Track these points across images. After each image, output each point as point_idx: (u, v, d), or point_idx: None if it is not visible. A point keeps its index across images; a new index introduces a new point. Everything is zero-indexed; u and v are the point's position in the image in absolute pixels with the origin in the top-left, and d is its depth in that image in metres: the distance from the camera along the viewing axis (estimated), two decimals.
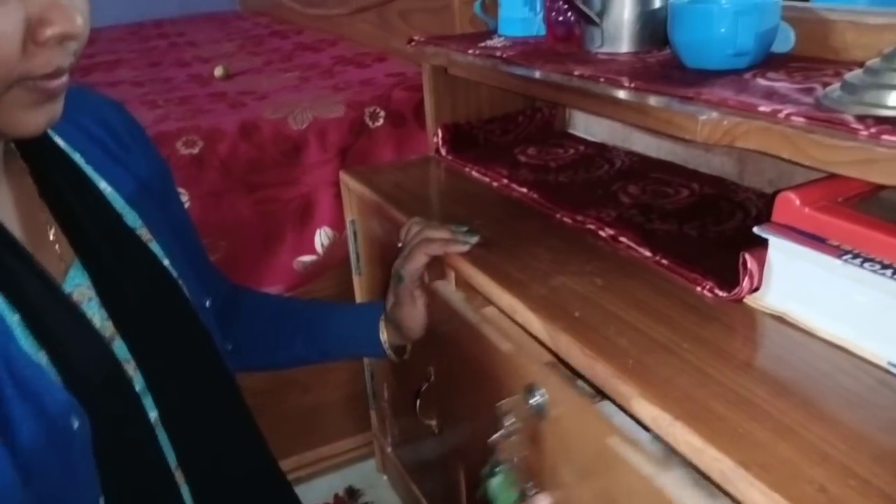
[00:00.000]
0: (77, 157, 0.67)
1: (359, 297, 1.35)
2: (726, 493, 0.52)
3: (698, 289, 0.75)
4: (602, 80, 0.81)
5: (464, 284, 0.89)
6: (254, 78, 1.75)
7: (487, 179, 1.13)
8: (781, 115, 0.62)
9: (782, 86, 0.71)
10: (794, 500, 0.47)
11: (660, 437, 0.57)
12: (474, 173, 1.17)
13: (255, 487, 0.74)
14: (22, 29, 0.47)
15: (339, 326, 0.93)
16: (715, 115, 0.65)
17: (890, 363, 0.60)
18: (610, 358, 0.64)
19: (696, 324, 0.69)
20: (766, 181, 0.98)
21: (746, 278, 0.70)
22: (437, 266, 0.92)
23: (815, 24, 0.82)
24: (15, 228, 0.59)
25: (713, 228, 0.88)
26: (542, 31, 1.11)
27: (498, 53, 1.03)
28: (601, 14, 0.93)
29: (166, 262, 0.69)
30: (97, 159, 0.68)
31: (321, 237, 1.34)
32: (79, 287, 0.62)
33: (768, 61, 0.80)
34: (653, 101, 0.72)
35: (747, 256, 0.70)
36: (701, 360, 0.63)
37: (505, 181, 1.10)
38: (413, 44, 1.22)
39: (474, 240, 0.88)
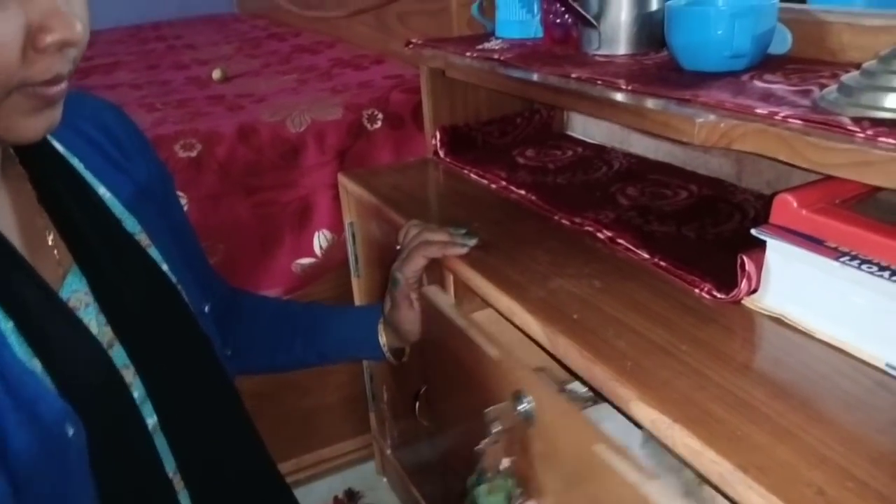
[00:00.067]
0: (76, 163, 0.67)
1: (358, 299, 1.35)
2: (725, 496, 0.52)
3: (696, 291, 0.75)
4: (599, 82, 0.81)
5: (462, 287, 0.89)
6: (252, 80, 1.75)
7: (486, 181, 1.14)
8: (778, 117, 0.62)
9: (779, 88, 0.71)
10: (793, 503, 0.47)
11: (653, 435, 0.57)
12: (473, 175, 1.17)
13: (254, 492, 0.74)
14: (22, 36, 0.47)
15: (337, 329, 0.94)
16: (712, 117, 0.65)
17: (888, 364, 0.60)
18: (608, 360, 0.64)
19: (694, 326, 0.69)
20: (765, 182, 0.99)
21: (744, 280, 0.70)
22: (436, 268, 0.92)
23: (812, 26, 0.82)
24: (13, 234, 0.59)
25: (711, 230, 0.88)
26: (540, 34, 1.11)
27: (495, 56, 1.03)
28: (598, 16, 0.93)
29: (165, 268, 0.69)
30: (96, 164, 0.68)
31: (320, 240, 1.34)
32: (76, 293, 0.62)
33: (765, 63, 0.80)
34: (650, 103, 0.72)
35: (745, 258, 0.70)
36: (699, 363, 0.63)
37: (503, 183, 1.10)
38: (411, 46, 1.23)
39: (472, 242, 0.88)
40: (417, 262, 0.87)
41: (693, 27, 0.79)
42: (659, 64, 0.87)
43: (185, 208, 1.22)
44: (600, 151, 1.23)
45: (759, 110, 0.64)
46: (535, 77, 0.91)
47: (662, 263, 0.80)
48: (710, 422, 0.55)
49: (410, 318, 0.88)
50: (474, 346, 0.71)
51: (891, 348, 0.60)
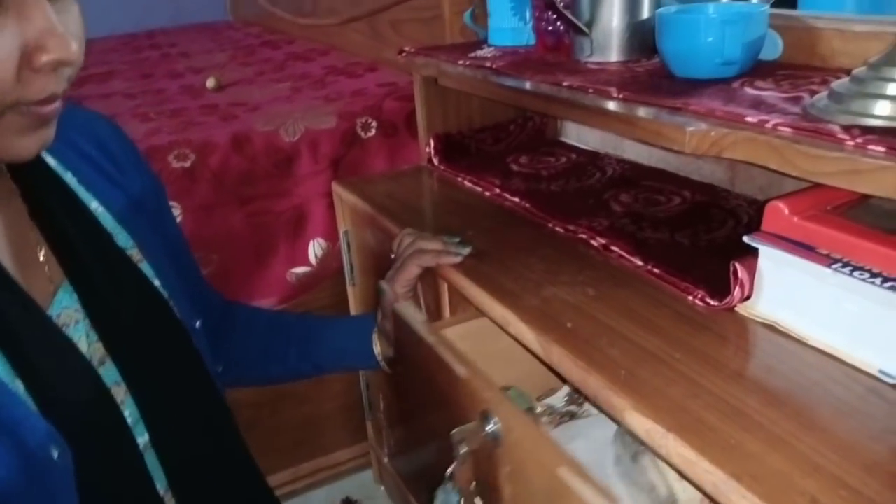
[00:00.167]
0: (68, 177, 0.67)
1: (353, 307, 1.35)
2: None
3: (690, 298, 0.75)
4: (591, 90, 0.81)
5: (457, 295, 0.89)
6: (246, 89, 1.75)
7: (480, 189, 1.14)
8: (768, 125, 0.62)
9: (770, 95, 0.71)
10: None
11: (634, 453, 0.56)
12: (466, 183, 1.17)
13: None
14: (17, 55, 0.47)
15: (332, 339, 0.93)
16: (703, 125, 0.65)
17: (881, 371, 0.60)
18: (602, 369, 0.64)
19: (687, 333, 0.69)
20: (757, 188, 0.99)
21: (737, 287, 0.70)
22: (430, 277, 0.92)
23: (803, 32, 0.82)
24: (3, 249, 0.59)
25: (705, 236, 0.88)
26: (532, 41, 1.12)
27: (488, 64, 1.03)
28: (590, 24, 0.93)
29: (157, 283, 0.68)
30: (88, 178, 0.68)
31: (314, 248, 1.34)
32: (67, 309, 0.61)
33: (756, 69, 0.80)
34: (641, 112, 0.72)
35: (738, 266, 0.70)
36: (693, 371, 0.63)
37: (497, 190, 1.10)
38: (403, 55, 1.23)
39: (466, 251, 0.88)
40: (411, 271, 0.87)
41: (684, 34, 0.79)
42: (650, 71, 0.87)
43: (179, 219, 1.23)
44: (594, 158, 1.23)
45: (749, 118, 0.64)
46: (527, 85, 0.91)
47: (656, 270, 0.80)
48: (704, 430, 0.55)
49: None
50: (444, 364, 0.71)
51: (883, 355, 0.60)
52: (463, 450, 0.65)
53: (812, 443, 0.53)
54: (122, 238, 0.68)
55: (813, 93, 0.69)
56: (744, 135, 0.63)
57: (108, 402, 0.60)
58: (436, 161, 1.26)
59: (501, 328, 0.78)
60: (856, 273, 0.60)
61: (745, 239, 0.68)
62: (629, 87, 0.80)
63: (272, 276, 1.32)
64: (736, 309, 0.72)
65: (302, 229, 1.33)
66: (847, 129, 0.58)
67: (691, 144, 0.65)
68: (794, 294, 0.66)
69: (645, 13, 0.91)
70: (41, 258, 0.62)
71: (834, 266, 0.61)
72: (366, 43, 1.91)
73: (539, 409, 0.93)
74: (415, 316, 0.83)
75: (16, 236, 0.61)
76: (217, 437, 0.72)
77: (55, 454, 0.53)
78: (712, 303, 0.73)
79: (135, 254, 0.68)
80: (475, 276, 0.84)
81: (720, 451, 0.53)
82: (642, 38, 0.92)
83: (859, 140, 0.56)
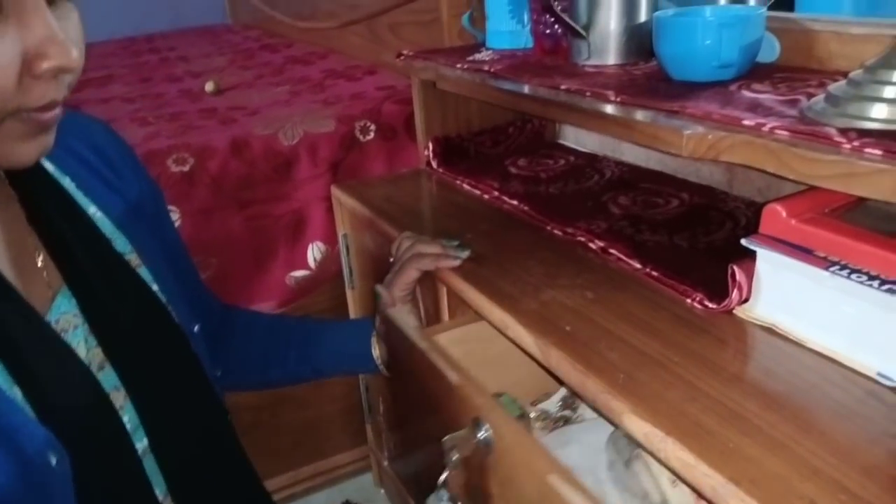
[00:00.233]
0: (66, 182, 0.67)
1: (352, 310, 1.35)
2: None
3: (688, 301, 0.75)
4: (588, 94, 0.82)
5: (455, 299, 0.89)
6: (245, 93, 1.75)
7: (478, 192, 1.14)
8: (765, 128, 0.63)
9: (767, 98, 0.71)
10: None
11: (631, 457, 0.56)
12: (465, 186, 1.17)
13: None
14: (19, 62, 0.47)
15: (331, 343, 0.93)
16: (700, 129, 0.65)
17: (879, 373, 0.60)
18: (601, 373, 0.64)
19: (686, 336, 0.69)
20: (756, 190, 0.99)
21: (735, 290, 0.70)
22: (429, 280, 0.92)
23: (800, 35, 0.82)
24: (1, 255, 0.59)
25: (703, 239, 0.88)
26: (530, 44, 1.12)
27: (486, 67, 1.03)
28: (587, 27, 0.93)
29: (155, 288, 0.68)
30: (87, 183, 0.68)
31: (314, 252, 1.34)
32: (65, 314, 0.61)
33: (754, 71, 0.80)
34: (638, 115, 0.72)
35: (735, 269, 0.70)
36: (691, 374, 0.63)
37: (496, 193, 1.10)
38: (402, 58, 1.23)
39: (465, 254, 0.88)
40: (410, 275, 0.87)
41: (681, 38, 0.79)
42: (648, 74, 0.87)
43: (178, 223, 1.23)
44: (592, 160, 1.23)
45: (746, 122, 0.64)
46: (524, 89, 0.91)
47: (654, 273, 0.80)
48: (703, 434, 0.55)
49: None
50: (436, 370, 0.71)
51: (881, 357, 0.60)
52: (454, 457, 0.65)
53: (811, 446, 0.53)
54: (121, 243, 0.68)
55: (810, 95, 0.69)
56: (741, 138, 0.63)
57: (106, 407, 0.60)
58: (434, 164, 1.26)
59: (500, 332, 0.78)
60: (853, 276, 0.60)
61: (743, 242, 0.68)
62: (626, 91, 0.80)
63: (271, 280, 1.32)
64: (734, 312, 0.72)
65: (301, 233, 1.33)
66: (844, 132, 0.58)
67: (688, 148, 0.65)
68: (792, 297, 0.66)
69: (642, 16, 0.91)
70: (39, 263, 0.62)
71: (831, 269, 0.61)
72: (365, 46, 1.91)
73: (533, 414, 0.93)
74: (407, 321, 0.83)
75: (14, 242, 0.61)
76: (215, 441, 0.72)
77: (53, 461, 0.53)
78: (711, 305, 0.73)
79: (133, 259, 0.68)
80: (474, 279, 0.84)
81: (719, 454, 0.53)
82: (639, 41, 0.92)
83: (856, 143, 0.56)
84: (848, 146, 0.56)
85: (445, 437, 0.66)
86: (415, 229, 0.97)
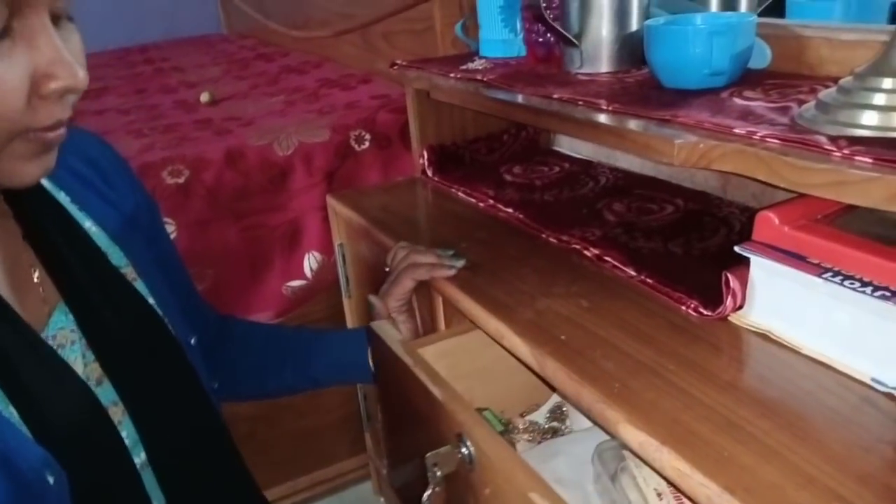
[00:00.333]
0: (62, 197, 0.67)
1: (349, 319, 1.35)
2: None
3: (683, 308, 0.75)
4: (580, 103, 0.82)
5: (451, 308, 0.89)
6: (239, 103, 1.75)
7: (473, 200, 1.14)
8: (756, 136, 0.63)
9: (758, 105, 0.71)
10: None
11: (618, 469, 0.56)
12: (460, 194, 1.17)
13: None
14: (28, 83, 0.48)
15: (328, 353, 0.94)
16: (691, 138, 0.66)
17: (873, 379, 0.60)
18: (596, 382, 0.64)
19: (681, 344, 0.69)
20: (750, 195, 0.99)
21: (730, 297, 0.70)
22: (425, 290, 0.93)
23: (791, 41, 0.83)
24: None
25: (697, 245, 0.88)
26: (523, 52, 1.12)
27: (479, 76, 1.03)
28: (579, 35, 0.94)
29: (152, 301, 0.68)
30: (82, 197, 0.69)
31: (310, 261, 1.34)
32: (62, 330, 0.62)
33: (745, 78, 0.81)
34: (631, 125, 0.72)
35: (729, 276, 0.70)
36: (686, 382, 0.63)
37: (491, 201, 1.10)
38: (395, 67, 1.23)
39: (460, 264, 0.88)
40: (406, 285, 0.87)
41: (672, 46, 0.79)
42: (640, 82, 0.88)
43: (174, 235, 1.23)
44: (587, 167, 1.23)
45: (737, 130, 0.65)
46: (518, 98, 0.91)
47: (649, 281, 0.80)
48: (698, 443, 0.55)
49: None
50: (421, 385, 0.71)
51: (875, 363, 0.60)
52: (438, 473, 0.65)
53: (805, 454, 0.53)
54: (117, 257, 0.68)
55: (801, 102, 0.69)
56: (732, 147, 0.63)
57: (105, 422, 0.60)
58: (429, 172, 1.27)
59: (496, 341, 0.78)
60: (846, 282, 0.60)
61: (737, 249, 0.68)
62: (619, 99, 0.80)
63: (268, 290, 1.33)
64: (729, 318, 0.72)
65: (297, 243, 1.33)
66: (834, 139, 0.58)
67: (680, 157, 0.65)
68: (786, 303, 0.66)
69: (634, 25, 0.92)
70: (35, 279, 0.63)
71: (825, 275, 0.61)
72: (359, 55, 1.92)
73: (522, 426, 0.93)
74: (391, 335, 0.83)
75: (9, 258, 0.61)
76: (213, 453, 0.72)
77: (51, 480, 0.53)
78: (705, 312, 0.73)
79: (129, 272, 0.69)
80: (469, 288, 0.84)
81: (714, 463, 0.53)
82: (631, 49, 0.92)
83: (846, 151, 0.56)
84: (838, 154, 0.56)
85: (428, 454, 0.66)
86: (410, 238, 0.97)
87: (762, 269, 0.68)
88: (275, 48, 2.59)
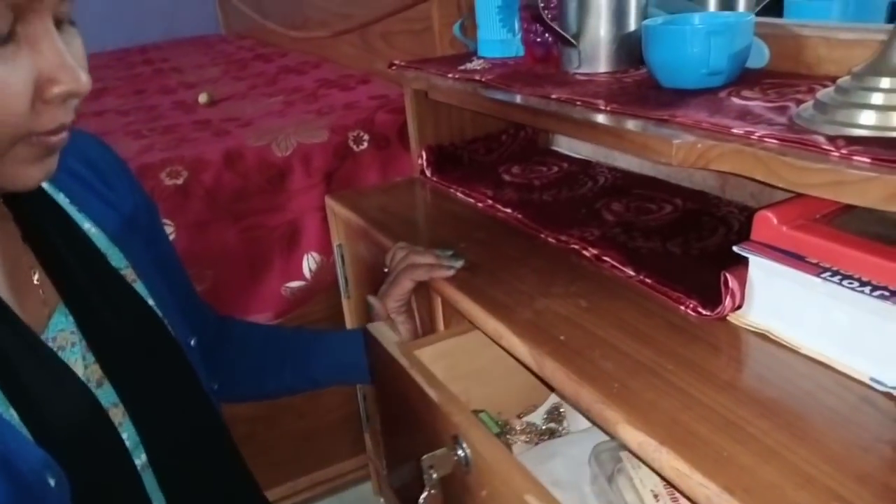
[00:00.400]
0: (61, 198, 0.67)
1: (348, 320, 1.35)
2: None
3: (682, 308, 0.75)
4: (579, 103, 0.82)
5: (450, 309, 0.89)
6: (238, 104, 1.75)
7: (472, 200, 1.14)
8: (754, 136, 0.63)
9: (756, 105, 0.71)
10: None
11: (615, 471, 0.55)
12: (459, 194, 1.17)
13: None
14: (32, 87, 0.48)
15: (327, 354, 0.94)
16: (689, 138, 0.66)
17: (872, 379, 0.60)
18: (595, 382, 0.64)
19: (680, 344, 0.69)
20: (749, 194, 0.99)
21: (728, 297, 0.70)
22: (424, 291, 0.93)
23: (789, 40, 0.83)
24: None
25: (696, 245, 0.88)
26: (521, 52, 1.12)
27: (477, 77, 1.03)
28: (577, 35, 0.94)
29: (151, 302, 0.68)
30: (81, 199, 0.69)
31: (309, 262, 1.34)
32: (62, 332, 0.62)
33: (744, 77, 0.81)
34: (629, 125, 0.72)
35: (728, 276, 0.70)
36: (685, 382, 0.63)
37: (489, 202, 1.10)
38: (393, 68, 1.23)
39: (459, 264, 0.88)
40: (404, 286, 0.87)
41: (669, 45, 0.79)
42: (638, 82, 0.88)
43: (173, 236, 1.23)
44: (585, 166, 1.23)
45: (735, 130, 0.65)
46: (516, 99, 0.91)
47: (648, 280, 0.80)
48: (697, 443, 0.55)
49: None
50: (417, 387, 0.71)
51: (874, 363, 0.60)
52: (433, 475, 0.65)
53: (804, 454, 0.53)
54: (116, 258, 0.68)
55: (799, 101, 0.69)
56: (730, 147, 0.63)
57: (105, 423, 0.61)
58: (428, 172, 1.27)
59: (494, 342, 0.78)
60: (845, 282, 0.60)
61: (735, 249, 0.68)
62: (617, 99, 0.80)
63: (267, 291, 1.33)
64: (728, 318, 0.72)
65: (296, 244, 1.33)
66: (832, 139, 0.58)
67: (678, 157, 0.65)
68: (784, 303, 0.66)
69: (632, 25, 0.92)
70: (35, 281, 0.63)
71: (823, 275, 0.61)
72: (357, 55, 1.92)
73: (519, 427, 0.93)
74: (388, 336, 0.83)
75: (9, 260, 0.62)
76: (214, 454, 0.72)
77: (52, 482, 0.53)
78: (704, 312, 0.73)
79: (129, 273, 0.69)
80: (468, 289, 0.84)
81: (713, 463, 0.53)
82: (629, 49, 0.92)
83: (844, 151, 0.56)
84: (836, 154, 0.56)
85: (424, 457, 0.66)
86: (409, 238, 0.97)
87: (761, 269, 0.68)
88: (273, 48, 2.58)
